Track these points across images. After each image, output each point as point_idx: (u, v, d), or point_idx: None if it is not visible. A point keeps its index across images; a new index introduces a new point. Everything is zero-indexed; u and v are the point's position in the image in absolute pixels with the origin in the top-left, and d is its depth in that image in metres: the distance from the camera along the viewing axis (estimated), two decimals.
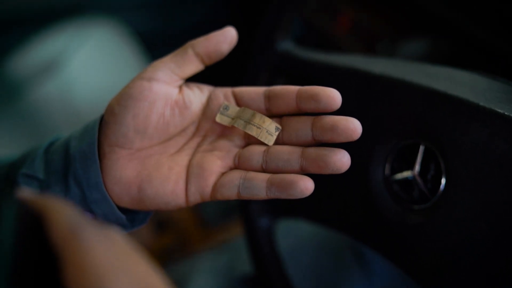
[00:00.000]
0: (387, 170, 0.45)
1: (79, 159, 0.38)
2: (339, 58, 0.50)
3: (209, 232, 0.94)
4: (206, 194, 0.38)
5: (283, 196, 0.36)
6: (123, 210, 0.40)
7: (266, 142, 0.38)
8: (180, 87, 0.40)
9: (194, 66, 0.40)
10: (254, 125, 0.38)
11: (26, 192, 0.27)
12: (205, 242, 0.91)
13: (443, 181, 0.41)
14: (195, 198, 0.38)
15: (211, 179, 0.38)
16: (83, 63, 1.05)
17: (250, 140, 0.39)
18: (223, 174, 0.38)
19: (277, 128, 0.38)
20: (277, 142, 0.38)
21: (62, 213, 0.26)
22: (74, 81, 1.03)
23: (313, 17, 0.85)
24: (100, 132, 0.39)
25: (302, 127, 0.37)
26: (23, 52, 1.05)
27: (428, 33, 0.72)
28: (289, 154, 0.36)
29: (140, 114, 0.38)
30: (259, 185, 0.36)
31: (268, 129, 0.38)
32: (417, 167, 0.43)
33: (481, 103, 0.39)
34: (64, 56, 1.03)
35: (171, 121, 0.39)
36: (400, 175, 0.44)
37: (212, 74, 0.44)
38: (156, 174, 0.38)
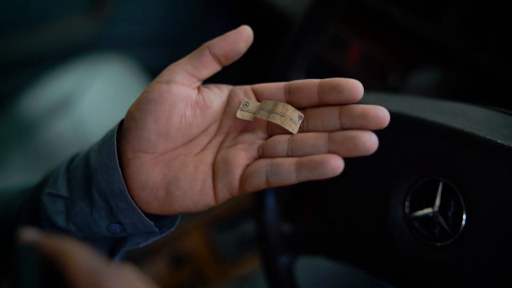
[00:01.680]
0: (407, 207, 0.45)
1: (100, 171, 0.38)
2: None
3: (226, 266, 0.93)
4: (234, 188, 0.37)
5: (314, 176, 0.35)
6: (151, 217, 0.40)
7: (290, 130, 0.37)
8: (199, 88, 0.40)
9: (211, 67, 0.40)
10: (278, 114, 0.38)
11: (33, 234, 0.27)
12: (222, 277, 0.91)
13: (464, 217, 0.41)
14: (224, 194, 0.38)
15: (237, 172, 0.37)
16: (95, 100, 1.06)
17: (273, 132, 0.39)
18: (248, 165, 0.37)
19: (300, 116, 0.38)
20: (302, 132, 0.38)
21: (80, 257, 0.26)
22: (87, 118, 1.04)
23: (322, 49, 0.86)
24: (122, 140, 0.39)
25: (329, 116, 0.36)
26: (36, 91, 1.07)
27: (438, 64, 0.73)
28: (316, 139, 0.36)
29: (161, 117, 0.38)
30: (288, 169, 0.35)
31: (292, 117, 0.37)
32: (437, 204, 0.43)
33: (499, 141, 0.39)
34: (76, 94, 1.05)
35: (193, 121, 0.39)
36: (421, 212, 0.44)
37: None
38: (182, 175, 0.38)
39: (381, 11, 0.82)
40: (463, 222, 0.41)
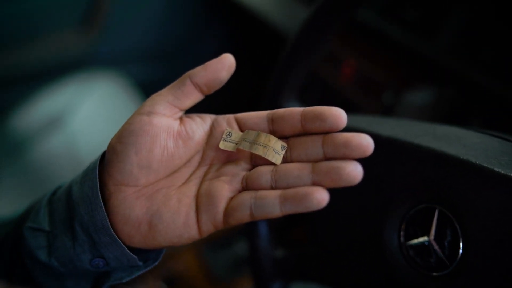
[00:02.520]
0: (402, 236, 0.44)
1: (82, 204, 0.37)
2: None
3: (220, 287, 0.92)
4: (218, 221, 0.36)
5: (299, 209, 0.34)
6: (135, 250, 0.39)
7: (273, 161, 0.36)
8: (181, 118, 0.39)
9: (193, 97, 0.39)
10: (260, 145, 0.37)
11: None
12: None
13: (461, 246, 0.40)
14: (207, 227, 0.37)
15: (221, 205, 0.36)
16: (88, 117, 1.06)
17: (257, 163, 0.38)
18: (232, 198, 0.36)
19: (283, 147, 0.37)
20: (285, 162, 0.37)
21: None
22: (79, 135, 1.03)
23: (317, 67, 0.85)
24: (104, 172, 0.38)
25: (313, 146, 0.36)
26: (28, 107, 1.06)
27: (433, 82, 0.72)
28: (299, 170, 0.35)
29: (143, 149, 0.37)
30: (272, 202, 0.34)
31: (275, 148, 0.37)
32: (433, 232, 0.42)
33: (496, 168, 0.38)
34: (69, 110, 1.04)
35: (176, 153, 0.38)
36: (416, 241, 0.42)
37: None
38: (165, 208, 0.37)
39: (376, 28, 0.81)
40: (460, 251, 0.40)
